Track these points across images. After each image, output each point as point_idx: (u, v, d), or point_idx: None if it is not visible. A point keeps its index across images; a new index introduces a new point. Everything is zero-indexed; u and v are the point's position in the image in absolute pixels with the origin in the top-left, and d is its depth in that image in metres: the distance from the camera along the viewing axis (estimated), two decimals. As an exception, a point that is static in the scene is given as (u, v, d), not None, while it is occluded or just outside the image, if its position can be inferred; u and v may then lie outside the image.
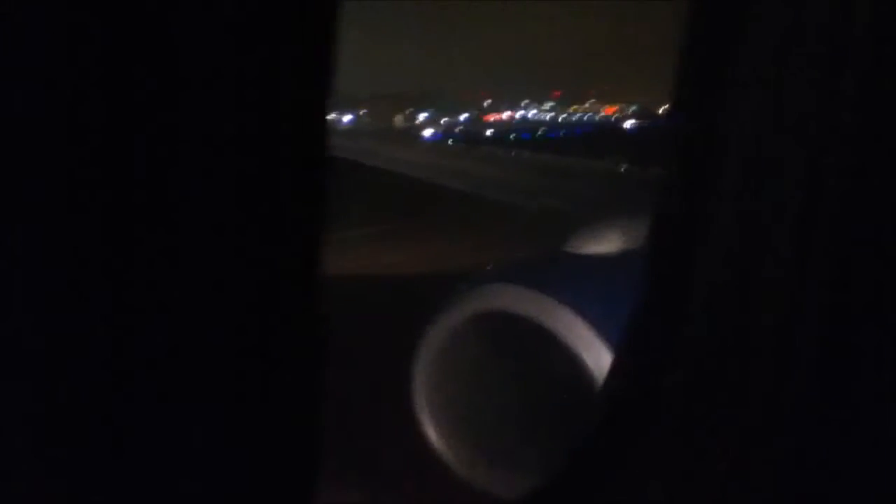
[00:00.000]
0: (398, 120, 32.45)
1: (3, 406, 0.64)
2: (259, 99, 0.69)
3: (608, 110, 35.13)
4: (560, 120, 35.80)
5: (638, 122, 27.57)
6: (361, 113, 31.30)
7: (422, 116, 33.83)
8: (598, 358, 2.34)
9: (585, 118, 35.48)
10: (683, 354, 1.05)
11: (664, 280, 1.10)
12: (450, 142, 25.56)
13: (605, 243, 2.87)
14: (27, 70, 0.59)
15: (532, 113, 36.53)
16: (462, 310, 2.73)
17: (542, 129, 31.86)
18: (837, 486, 1.01)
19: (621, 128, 27.73)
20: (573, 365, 2.42)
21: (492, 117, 34.64)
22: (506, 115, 35.54)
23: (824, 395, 1.00)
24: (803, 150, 0.98)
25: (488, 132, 30.31)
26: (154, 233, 0.66)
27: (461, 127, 31.48)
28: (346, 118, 31.71)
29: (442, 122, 32.42)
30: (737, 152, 1.01)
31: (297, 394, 0.77)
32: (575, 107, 36.99)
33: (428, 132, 27.60)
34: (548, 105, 37.16)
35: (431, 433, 2.75)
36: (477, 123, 32.58)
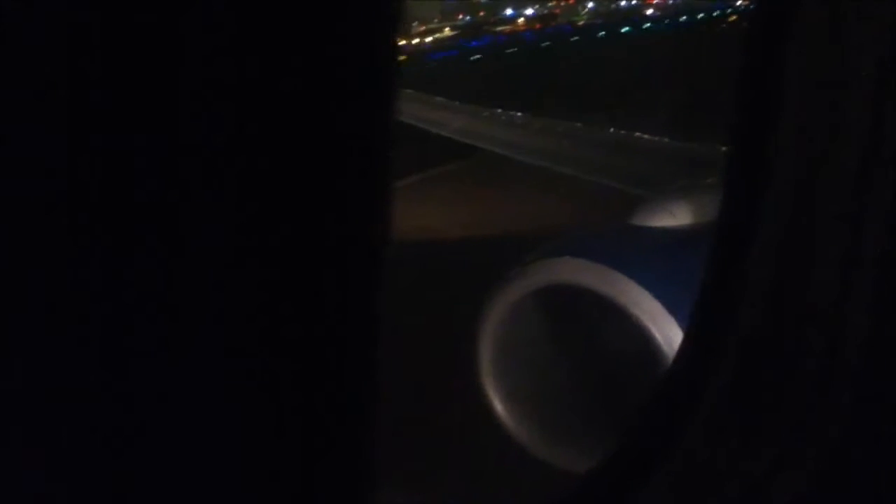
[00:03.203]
0: (579, 9, 41.80)
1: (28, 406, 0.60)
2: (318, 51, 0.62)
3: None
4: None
5: None
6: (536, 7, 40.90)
7: (590, 5, 43.09)
8: (667, 332, 2.41)
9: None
10: (750, 331, 1.03)
11: (730, 257, 1.08)
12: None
13: (673, 216, 2.94)
14: (28, 69, 0.56)
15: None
16: (526, 282, 2.76)
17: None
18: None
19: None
20: (641, 339, 2.46)
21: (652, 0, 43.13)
22: (660, -1, 44.06)
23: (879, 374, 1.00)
24: (862, 118, 0.96)
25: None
26: (197, 201, 0.60)
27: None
28: (528, 11, 41.51)
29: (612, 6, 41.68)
30: (797, 113, 0.99)
31: (352, 375, 0.70)
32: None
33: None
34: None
35: (498, 407, 2.84)
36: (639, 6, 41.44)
